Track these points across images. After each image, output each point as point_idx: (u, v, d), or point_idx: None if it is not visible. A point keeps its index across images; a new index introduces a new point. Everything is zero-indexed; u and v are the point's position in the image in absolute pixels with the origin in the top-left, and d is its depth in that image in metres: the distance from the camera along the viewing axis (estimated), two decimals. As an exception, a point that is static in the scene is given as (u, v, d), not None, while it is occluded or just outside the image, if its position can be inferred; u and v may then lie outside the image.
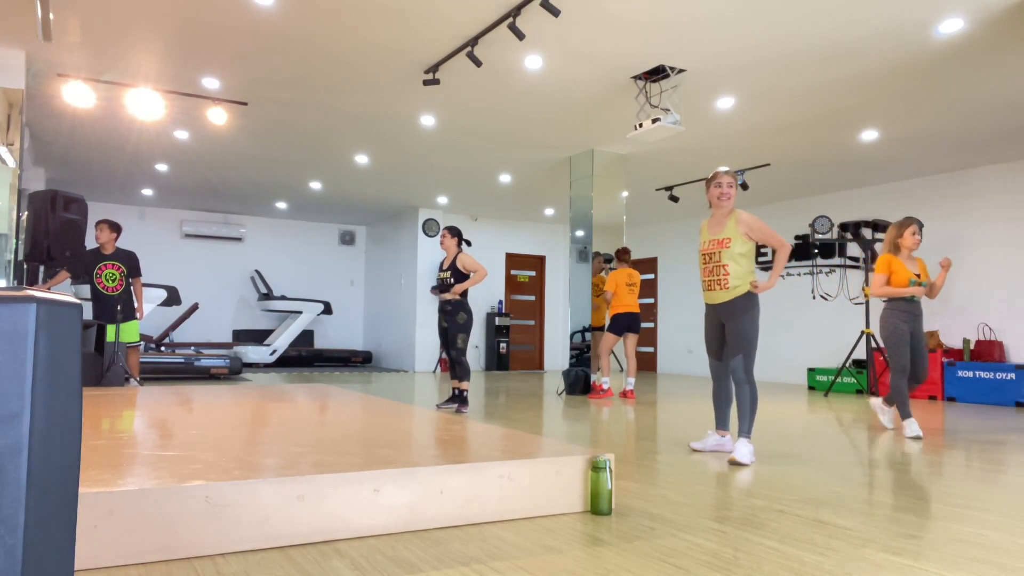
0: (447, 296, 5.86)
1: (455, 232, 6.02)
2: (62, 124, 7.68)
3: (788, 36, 5.27)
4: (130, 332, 6.64)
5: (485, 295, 13.36)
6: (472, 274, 5.85)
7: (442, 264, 6.05)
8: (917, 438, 4.95)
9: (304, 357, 12.71)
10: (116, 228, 6.57)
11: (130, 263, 6.62)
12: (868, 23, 5.03)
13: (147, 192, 11.23)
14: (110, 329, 6.53)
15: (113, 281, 6.50)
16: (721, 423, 4.21)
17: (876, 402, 5.58)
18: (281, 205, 12.28)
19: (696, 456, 4.07)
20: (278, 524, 2.21)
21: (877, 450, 4.42)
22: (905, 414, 5.06)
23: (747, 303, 3.95)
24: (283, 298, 12.62)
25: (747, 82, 6.20)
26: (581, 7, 4.90)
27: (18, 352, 1.03)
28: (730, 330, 3.99)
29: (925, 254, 9.28)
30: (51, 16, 5.01)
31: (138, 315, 6.65)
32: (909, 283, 5.04)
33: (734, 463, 3.81)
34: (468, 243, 6.19)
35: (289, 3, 4.89)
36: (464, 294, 5.89)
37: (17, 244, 6.14)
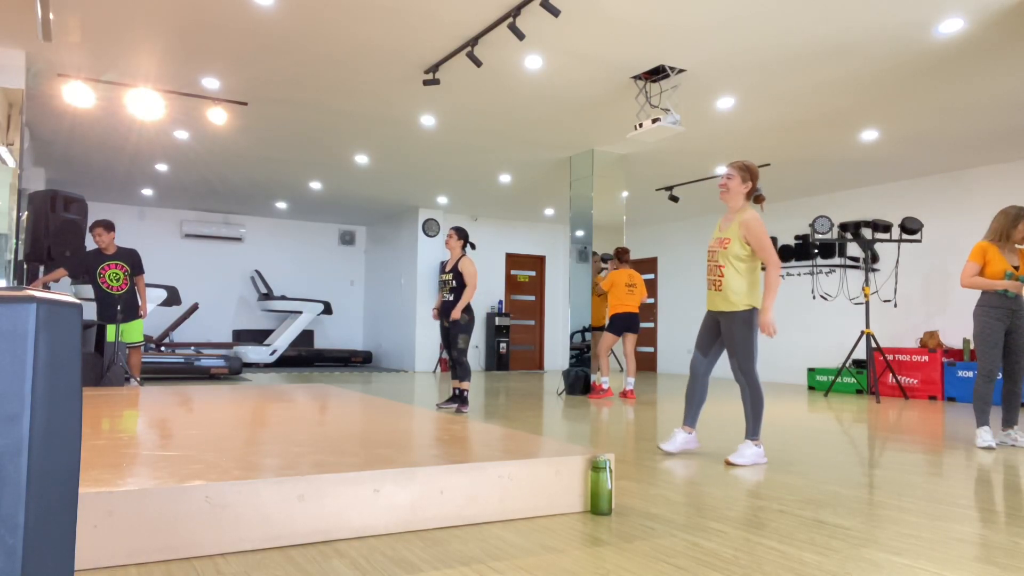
0: (447, 308, 5.84)
1: (462, 234, 5.98)
2: (62, 124, 7.68)
3: (788, 36, 5.27)
4: (134, 332, 6.63)
5: (485, 295, 13.36)
6: (465, 288, 5.83)
7: (444, 265, 6.05)
8: (989, 448, 4.47)
9: (304, 357, 12.71)
10: (111, 227, 6.55)
11: (133, 261, 6.61)
12: (868, 23, 5.03)
13: (147, 192, 11.23)
14: (110, 329, 6.52)
15: (117, 280, 6.49)
16: (689, 420, 4.09)
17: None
18: (281, 205, 12.28)
19: (696, 456, 4.06)
20: (278, 524, 2.21)
21: (877, 450, 4.42)
22: (980, 422, 4.58)
23: (748, 318, 3.82)
24: (283, 298, 12.62)
25: (747, 82, 6.20)
26: (581, 7, 4.90)
27: (18, 352, 1.03)
28: (726, 336, 3.89)
29: (926, 254, 9.29)
30: (51, 16, 5.01)
31: (142, 312, 6.63)
32: (1005, 275, 4.52)
33: (729, 464, 3.80)
34: (472, 246, 6.19)
35: (289, 3, 4.89)
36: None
37: (17, 244, 6.14)
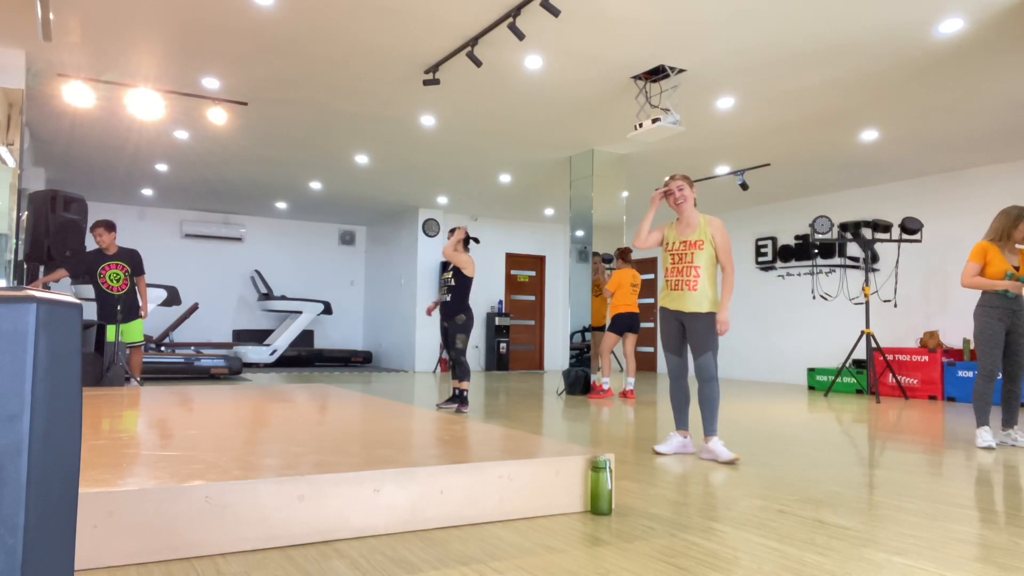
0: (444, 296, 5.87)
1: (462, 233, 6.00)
2: (62, 124, 7.68)
3: (788, 36, 5.27)
4: (134, 332, 6.63)
5: (485, 295, 13.36)
6: (465, 288, 5.86)
7: (447, 265, 6.05)
8: (989, 448, 4.48)
9: (304, 357, 12.71)
10: (112, 227, 6.53)
11: (133, 262, 6.61)
12: (868, 23, 5.03)
13: (147, 192, 11.23)
14: (110, 329, 6.52)
15: (118, 281, 6.49)
16: (682, 424, 4.15)
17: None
18: (281, 205, 12.28)
19: (695, 457, 4.07)
20: (278, 524, 2.21)
21: (877, 450, 4.42)
22: (980, 422, 4.59)
23: (712, 319, 3.97)
24: (283, 298, 12.62)
25: (747, 82, 6.20)
26: (581, 7, 4.90)
27: (18, 352, 1.03)
28: (696, 336, 3.98)
29: (926, 254, 9.29)
30: (51, 16, 5.01)
31: (142, 313, 6.63)
32: (1005, 276, 4.53)
33: (726, 463, 3.83)
34: (476, 241, 6.21)
35: (289, 3, 4.89)
36: (464, 296, 5.88)
37: (17, 244, 6.14)
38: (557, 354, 14.16)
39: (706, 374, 3.95)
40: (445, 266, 5.65)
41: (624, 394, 7.64)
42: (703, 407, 3.96)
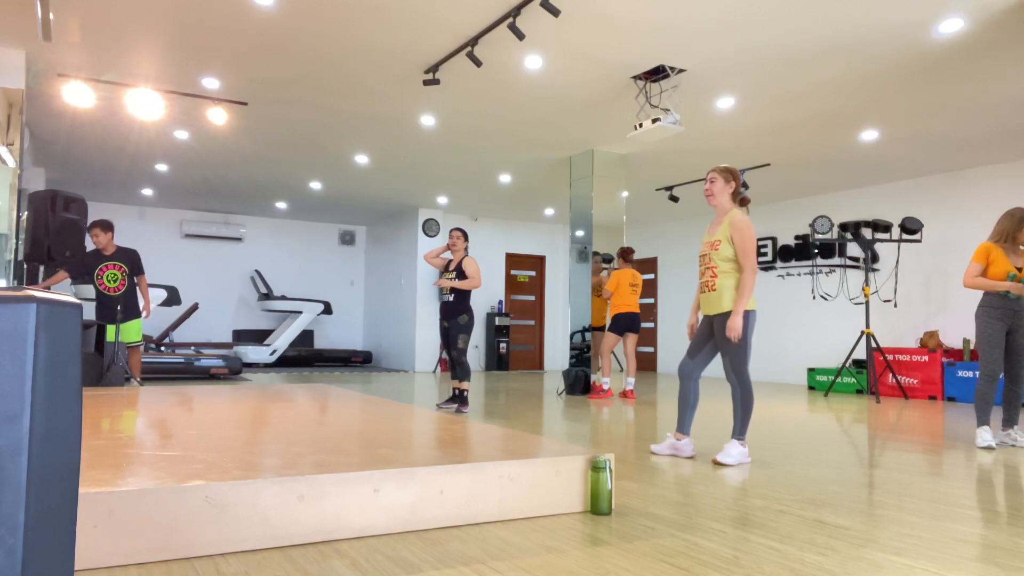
0: (449, 284, 5.88)
1: (468, 236, 6.09)
2: (62, 124, 7.68)
3: (788, 36, 5.27)
4: (131, 332, 6.62)
5: (485, 295, 13.36)
6: (470, 279, 5.88)
7: (448, 264, 6.06)
8: (989, 448, 4.50)
9: (304, 357, 12.71)
10: (109, 227, 6.50)
11: (132, 261, 6.59)
12: (868, 23, 5.03)
13: (147, 192, 11.23)
14: (110, 329, 6.51)
15: (115, 281, 6.48)
16: (681, 426, 4.06)
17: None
18: (281, 205, 12.28)
19: (695, 457, 4.06)
20: (278, 524, 2.21)
21: (877, 450, 4.42)
22: (981, 421, 4.60)
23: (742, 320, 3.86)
24: (283, 298, 12.62)
25: (747, 82, 6.20)
26: (581, 7, 4.90)
27: (18, 352, 1.03)
28: (719, 337, 3.90)
29: (926, 254, 9.29)
30: (51, 16, 5.01)
31: (145, 313, 6.62)
32: (1008, 277, 4.53)
33: (717, 464, 3.81)
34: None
35: (289, 3, 4.89)
36: (466, 296, 5.89)
37: (17, 244, 6.14)
38: (557, 354, 14.15)
39: (728, 379, 3.88)
40: (446, 265, 5.68)
41: (624, 394, 7.64)
42: (734, 408, 3.91)
